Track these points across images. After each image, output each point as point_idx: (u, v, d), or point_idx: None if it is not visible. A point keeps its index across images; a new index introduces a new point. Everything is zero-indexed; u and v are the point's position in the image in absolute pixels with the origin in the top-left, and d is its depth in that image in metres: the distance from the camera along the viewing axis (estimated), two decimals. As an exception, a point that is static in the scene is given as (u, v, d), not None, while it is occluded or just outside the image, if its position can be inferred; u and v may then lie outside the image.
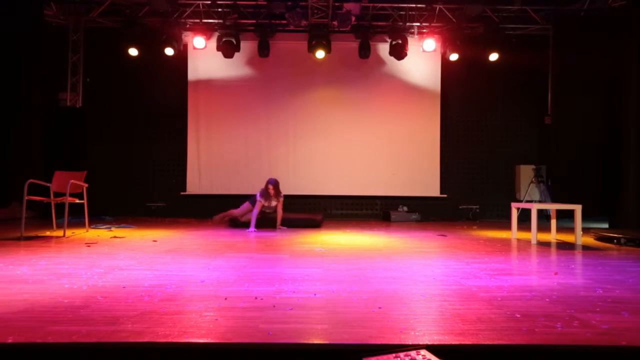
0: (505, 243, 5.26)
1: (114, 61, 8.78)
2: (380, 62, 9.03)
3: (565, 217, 6.42)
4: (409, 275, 3.21)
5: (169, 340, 1.82)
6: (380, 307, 2.31)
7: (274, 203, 6.71)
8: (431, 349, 1.71)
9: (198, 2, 8.28)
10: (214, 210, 8.74)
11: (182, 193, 8.94)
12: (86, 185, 5.95)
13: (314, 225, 7.07)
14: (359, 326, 2.01)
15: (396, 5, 8.41)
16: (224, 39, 8.48)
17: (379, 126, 9.02)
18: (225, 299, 2.46)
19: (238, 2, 8.29)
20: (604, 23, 7.80)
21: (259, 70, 9.02)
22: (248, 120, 8.99)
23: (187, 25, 8.72)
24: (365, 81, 9.03)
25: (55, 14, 8.59)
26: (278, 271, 3.31)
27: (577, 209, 5.42)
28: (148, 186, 9.01)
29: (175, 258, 3.90)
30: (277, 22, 8.42)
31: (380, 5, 8.39)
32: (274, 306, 2.32)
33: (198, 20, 8.61)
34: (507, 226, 6.92)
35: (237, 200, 8.64)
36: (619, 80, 7.23)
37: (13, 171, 7.37)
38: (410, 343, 1.78)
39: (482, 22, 8.31)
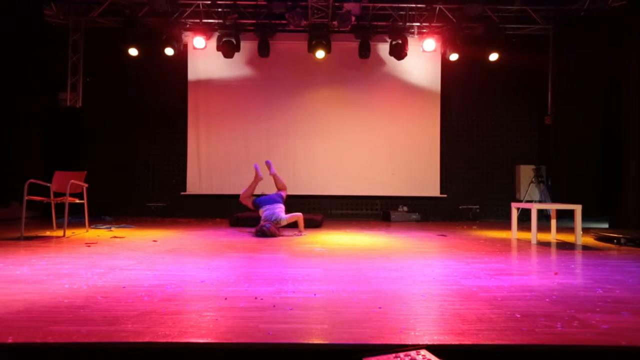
0: (505, 243, 5.26)
1: (114, 61, 8.79)
2: (380, 62, 9.04)
3: (565, 217, 6.42)
4: (409, 275, 3.21)
5: (169, 340, 1.82)
6: (380, 307, 2.31)
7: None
8: (431, 349, 1.70)
9: (198, 2, 8.28)
10: (214, 211, 8.78)
11: (182, 193, 8.94)
12: (86, 185, 5.94)
13: (314, 225, 7.07)
14: (359, 326, 2.00)
15: (396, 5, 8.41)
16: (224, 39, 8.48)
17: (378, 126, 9.02)
18: (225, 299, 2.46)
19: (238, 2, 8.29)
20: (604, 23, 7.80)
21: (259, 70, 9.02)
22: (248, 120, 8.99)
23: (187, 25, 8.72)
24: (365, 81, 9.03)
25: (55, 14, 8.59)
26: (278, 271, 3.30)
27: (577, 209, 5.42)
28: (148, 186, 9.01)
29: (175, 258, 3.89)
30: (277, 22, 8.42)
31: (380, 5, 8.39)
32: (274, 306, 2.32)
33: (198, 20, 8.61)
34: (507, 226, 6.92)
35: (236, 200, 8.66)
36: (619, 80, 7.22)
37: (13, 171, 7.37)
38: (410, 343, 1.78)
39: (482, 22, 8.31)
